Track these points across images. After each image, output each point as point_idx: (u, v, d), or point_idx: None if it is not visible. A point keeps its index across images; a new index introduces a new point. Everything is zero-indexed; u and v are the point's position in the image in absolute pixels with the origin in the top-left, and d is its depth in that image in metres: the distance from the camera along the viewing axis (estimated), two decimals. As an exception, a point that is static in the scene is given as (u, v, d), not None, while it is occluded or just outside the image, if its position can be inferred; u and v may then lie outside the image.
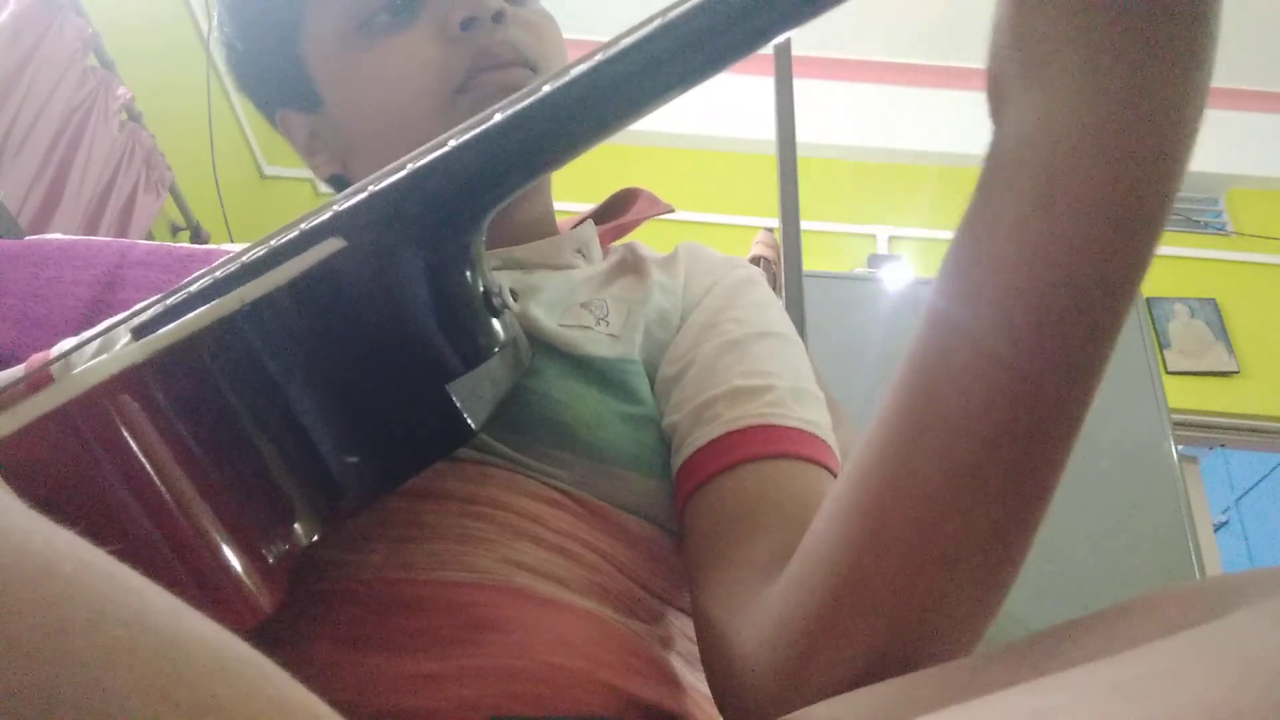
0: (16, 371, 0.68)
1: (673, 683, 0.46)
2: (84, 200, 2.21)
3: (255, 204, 3.27)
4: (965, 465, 0.31)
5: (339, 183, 0.66)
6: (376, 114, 0.58)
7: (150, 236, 2.55)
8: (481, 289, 0.40)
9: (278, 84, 0.64)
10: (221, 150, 2.91)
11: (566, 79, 0.34)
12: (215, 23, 0.65)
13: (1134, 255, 0.29)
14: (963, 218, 0.32)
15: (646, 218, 0.70)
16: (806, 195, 1.47)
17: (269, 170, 3.42)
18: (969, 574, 0.32)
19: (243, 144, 3.26)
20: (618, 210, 0.71)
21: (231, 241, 2.84)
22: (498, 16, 0.54)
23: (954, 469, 0.31)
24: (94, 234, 2.23)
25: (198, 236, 2.84)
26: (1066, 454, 0.31)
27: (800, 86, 1.57)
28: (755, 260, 1.61)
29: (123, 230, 2.37)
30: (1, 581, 0.16)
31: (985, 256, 0.30)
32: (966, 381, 0.31)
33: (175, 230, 2.85)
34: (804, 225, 1.46)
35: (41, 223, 2.05)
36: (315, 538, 0.35)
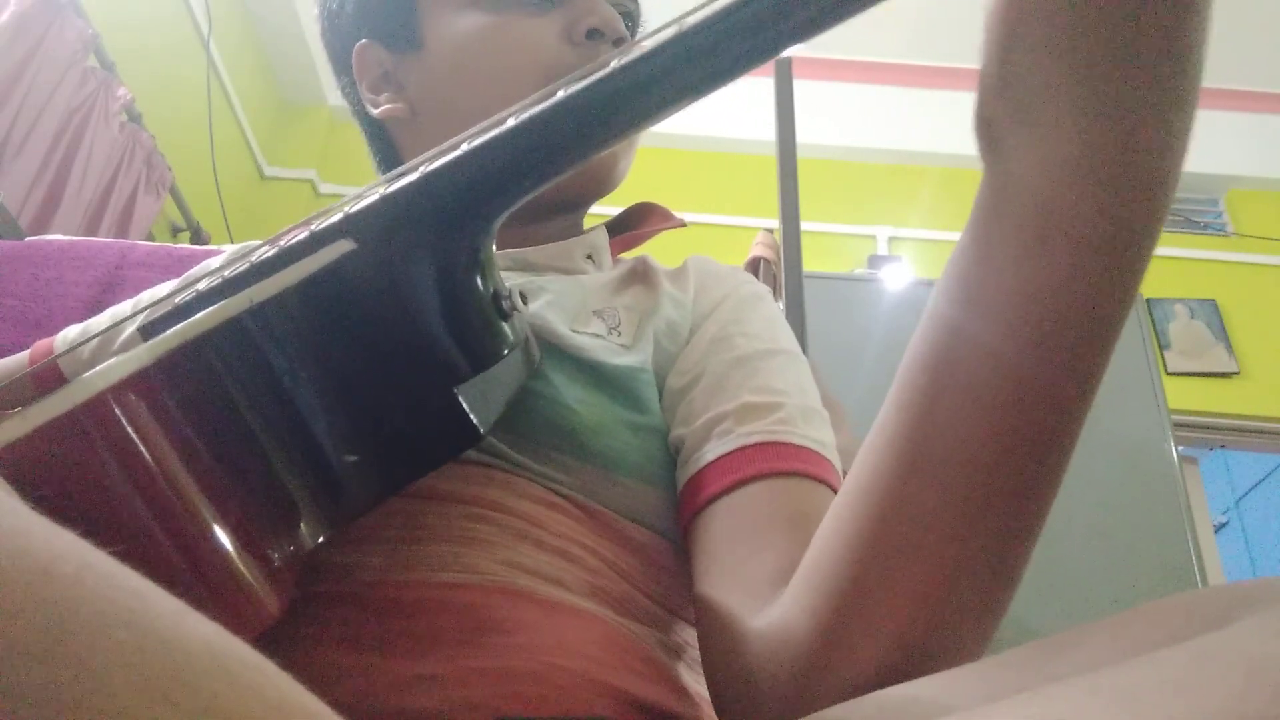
0: (20, 359, 0.68)
1: (674, 684, 0.47)
2: (84, 201, 2.21)
3: (255, 204, 3.27)
4: (966, 476, 0.31)
5: (378, 130, 0.67)
6: (478, 79, 0.60)
7: (150, 237, 2.55)
8: (491, 292, 0.40)
9: (380, 15, 0.64)
10: (221, 150, 2.91)
11: (579, 85, 0.34)
12: None
13: (1127, 274, 0.29)
14: (956, 254, 0.32)
15: (659, 230, 0.71)
16: (806, 195, 1.47)
17: (269, 170, 3.42)
18: (972, 584, 0.32)
19: (243, 144, 3.26)
20: (631, 224, 0.72)
21: (231, 242, 2.85)
22: (618, 42, 0.60)
23: (955, 480, 0.31)
24: (94, 235, 2.23)
25: (198, 237, 2.84)
26: (1065, 460, 0.32)
27: (800, 87, 1.57)
28: (755, 261, 1.61)
29: (123, 231, 2.37)
30: (3, 583, 0.16)
31: (981, 293, 0.31)
32: (971, 394, 0.31)
33: (175, 231, 2.85)
34: (804, 225, 1.46)
35: (41, 223, 2.05)
36: (320, 539, 0.35)
